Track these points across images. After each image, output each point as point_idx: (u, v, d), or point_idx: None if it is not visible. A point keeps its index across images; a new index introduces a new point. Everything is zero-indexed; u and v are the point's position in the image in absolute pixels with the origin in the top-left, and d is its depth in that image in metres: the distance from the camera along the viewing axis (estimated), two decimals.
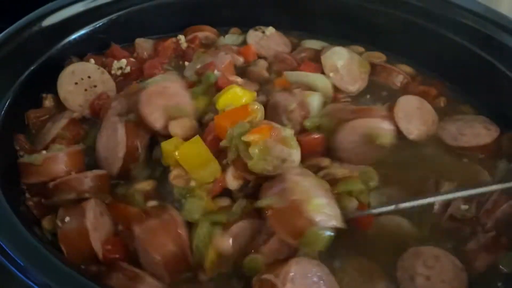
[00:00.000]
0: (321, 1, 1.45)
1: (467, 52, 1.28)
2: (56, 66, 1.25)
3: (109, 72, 1.26)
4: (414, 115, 1.21)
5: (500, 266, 0.95)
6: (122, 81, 1.27)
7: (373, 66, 1.35)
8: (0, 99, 1.11)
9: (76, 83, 1.21)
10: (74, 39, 1.30)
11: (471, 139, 1.16)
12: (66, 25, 1.28)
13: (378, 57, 1.40)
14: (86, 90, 1.21)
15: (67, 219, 0.96)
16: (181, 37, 1.40)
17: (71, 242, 0.94)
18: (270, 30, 1.44)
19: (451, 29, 1.31)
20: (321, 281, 0.87)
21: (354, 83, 1.30)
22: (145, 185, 1.04)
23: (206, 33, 1.44)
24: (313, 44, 1.44)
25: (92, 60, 1.28)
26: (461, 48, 1.29)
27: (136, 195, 1.02)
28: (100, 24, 1.34)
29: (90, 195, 1.00)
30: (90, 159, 1.10)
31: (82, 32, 1.31)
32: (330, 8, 1.43)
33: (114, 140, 1.05)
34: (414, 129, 1.19)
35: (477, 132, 1.17)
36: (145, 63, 1.30)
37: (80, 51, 1.31)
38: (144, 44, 1.39)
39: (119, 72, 1.28)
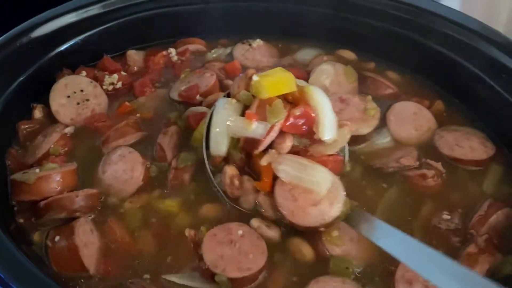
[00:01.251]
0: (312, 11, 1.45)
1: (465, 69, 1.29)
2: (46, 77, 1.26)
3: (101, 86, 1.27)
4: (408, 120, 1.23)
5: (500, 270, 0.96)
6: (114, 95, 1.28)
7: (363, 78, 1.35)
8: None
9: (68, 97, 1.22)
10: (65, 49, 1.30)
11: (468, 152, 1.16)
12: (56, 35, 1.28)
13: (368, 68, 1.41)
14: (78, 103, 1.22)
15: (57, 238, 0.96)
16: (172, 50, 1.41)
17: (62, 260, 0.95)
18: (258, 42, 1.45)
19: (444, 43, 1.32)
20: None
21: (347, 94, 1.29)
22: None
23: (196, 45, 1.45)
24: (306, 53, 1.45)
25: (84, 72, 1.29)
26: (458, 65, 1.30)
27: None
28: (91, 34, 1.34)
29: (81, 214, 1.01)
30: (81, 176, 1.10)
31: (72, 42, 1.31)
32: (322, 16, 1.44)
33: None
34: (402, 132, 1.21)
35: (474, 146, 1.18)
36: (136, 81, 1.31)
37: (71, 62, 1.32)
38: (135, 57, 1.39)
39: (110, 87, 1.28)
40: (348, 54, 1.44)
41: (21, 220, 1.03)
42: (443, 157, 1.16)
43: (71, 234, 0.96)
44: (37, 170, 1.05)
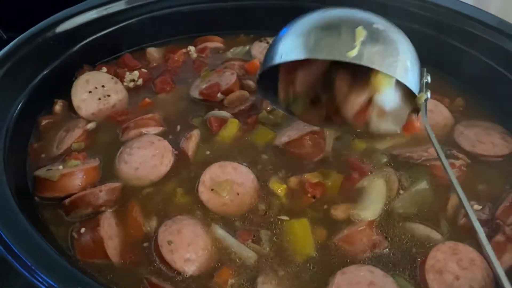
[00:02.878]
0: None
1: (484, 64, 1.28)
2: (67, 73, 1.27)
3: (122, 83, 1.28)
4: None
5: None
6: (134, 91, 1.29)
7: None
8: (11, 105, 1.12)
9: (90, 92, 1.22)
10: (86, 45, 1.32)
11: (490, 148, 1.16)
12: (77, 32, 1.30)
13: None
14: (99, 99, 1.22)
15: (82, 230, 0.97)
16: (191, 48, 1.42)
17: (87, 251, 0.95)
18: None
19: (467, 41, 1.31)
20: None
21: None
22: None
23: (215, 43, 1.46)
24: None
25: (104, 69, 1.30)
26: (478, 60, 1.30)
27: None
28: (111, 31, 1.36)
29: (106, 208, 1.01)
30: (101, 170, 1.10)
31: (92, 38, 1.33)
32: None
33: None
34: None
35: (495, 141, 1.17)
36: (156, 78, 1.32)
37: (91, 58, 1.33)
38: (155, 54, 1.41)
39: (131, 84, 1.29)
40: None
41: (46, 215, 1.02)
42: (464, 152, 1.15)
43: (97, 226, 0.97)
44: (61, 167, 1.06)
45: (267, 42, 1.44)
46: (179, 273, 0.93)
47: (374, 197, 1.05)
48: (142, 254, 0.97)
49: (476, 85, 1.31)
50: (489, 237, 0.98)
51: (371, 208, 1.03)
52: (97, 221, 0.98)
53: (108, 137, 1.18)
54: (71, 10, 1.30)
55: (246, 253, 0.96)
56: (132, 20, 1.39)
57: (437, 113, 1.24)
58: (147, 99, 1.26)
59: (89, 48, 1.32)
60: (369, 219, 1.01)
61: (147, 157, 1.09)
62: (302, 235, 0.99)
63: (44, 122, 1.20)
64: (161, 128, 1.19)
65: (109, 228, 0.98)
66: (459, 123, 1.23)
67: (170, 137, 1.16)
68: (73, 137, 1.14)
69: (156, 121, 1.19)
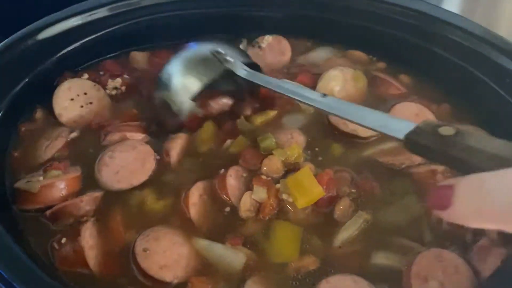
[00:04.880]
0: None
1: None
2: (46, 80, 1.25)
3: (104, 90, 1.25)
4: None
5: None
6: (117, 98, 1.27)
7: (372, 78, 1.34)
8: None
9: (72, 99, 1.20)
10: (68, 52, 1.30)
11: None
12: (59, 39, 1.28)
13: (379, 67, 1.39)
14: (82, 106, 1.21)
15: (63, 240, 0.95)
16: None
17: (68, 262, 0.94)
18: (267, 39, 1.42)
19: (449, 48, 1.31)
20: None
21: (357, 100, 1.28)
22: None
23: None
24: (318, 54, 1.43)
25: (86, 75, 1.28)
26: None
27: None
28: (93, 37, 1.34)
29: (88, 218, 1.00)
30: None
31: (75, 45, 1.31)
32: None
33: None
34: None
35: None
36: (140, 83, 1.29)
37: (72, 64, 1.32)
38: (138, 58, 1.38)
39: (113, 92, 1.27)
40: (359, 55, 1.43)
41: (25, 226, 1.01)
42: None
43: (77, 236, 0.95)
44: (41, 178, 1.04)
45: (259, 46, 1.41)
46: (158, 282, 0.92)
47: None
48: (123, 264, 0.95)
49: (462, 92, 1.29)
50: (474, 241, 0.98)
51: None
52: (78, 231, 0.96)
53: (90, 145, 1.16)
54: (54, 17, 1.28)
55: (234, 256, 0.95)
56: (115, 27, 1.37)
57: (422, 118, 1.23)
58: (134, 110, 1.24)
59: (70, 56, 1.30)
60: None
61: (128, 161, 1.09)
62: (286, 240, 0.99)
63: (24, 129, 1.18)
64: (145, 135, 1.17)
65: (90, 238, 0.96)
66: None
67: (154, 143, 1.15)
68: (55, 146, 1.12)
69: (142, 128, 1.18)
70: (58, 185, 1.02)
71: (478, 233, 0.99)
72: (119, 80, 1.29)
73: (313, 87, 1.28)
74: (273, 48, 1.42)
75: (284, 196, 1.02)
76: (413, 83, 1.36)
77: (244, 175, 1.07)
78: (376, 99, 1.30)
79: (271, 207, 1.01)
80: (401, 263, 0.95)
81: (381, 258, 0.97)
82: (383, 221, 1.03)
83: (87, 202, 1.01)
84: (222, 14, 1.45)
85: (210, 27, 1.43)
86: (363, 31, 1.42)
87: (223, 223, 1.02)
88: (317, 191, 1.00)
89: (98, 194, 1.04)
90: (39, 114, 1.21)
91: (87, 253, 0.94)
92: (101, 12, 1.34)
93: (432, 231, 1.01)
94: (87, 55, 1.34)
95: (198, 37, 1.42)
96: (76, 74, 1.29)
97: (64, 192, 1.03)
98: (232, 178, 1.05)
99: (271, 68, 1.37)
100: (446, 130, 0.77)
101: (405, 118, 1.16)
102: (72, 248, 0.94)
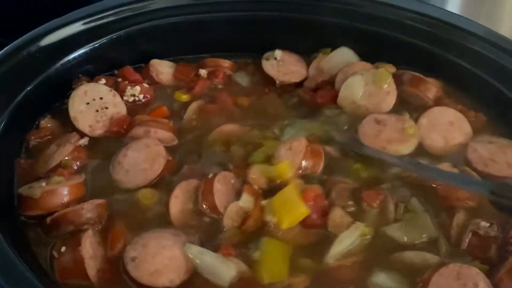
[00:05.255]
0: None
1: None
2: (55, 86, 1.24)
3: (121, 96, 1.24)
4: (438, 128, 1.16)
5: None
6: (133, 107, 1.24)
7: (399, 75, 1.25)
8: None
9: (87, 103, 1.19)
10: (76, 58, 1.28)
11: (504, 168, 1.07)
12: (66, 44, 1.26)
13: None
14: (97, 111, 1.19)
15: (63, 248, 0.93)
16: (202, 72, 1.35)
17: (67, 272, 0.92)
18: (277, 53, 1.39)
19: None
20: None
21: (382, 102, 1.22)
22: None
23: (226, 65, 1.39)
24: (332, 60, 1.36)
25: (103, 80, 1.26)
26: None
27: None
28: (104, 43, 1.31)
29: (89, 226, 0.98)
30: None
31: (82, 51, 1.28)
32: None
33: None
34: (427, 139, 1.15)
35: (510, 161, 1.08)
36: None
37: (84, 70, 1.30)
38: (159, 67, 1.35)
39: (131, 99, 1.25)
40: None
41: (30, 234, 0.99)
42: (475, 172, 1.08)
43: (78, 245, 0.93)
44: (44, 184, 1.03)
45: (275, 58, 1.38)
46: None
47: None
48: (121, 274, 0.93)
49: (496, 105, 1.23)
50: (503, 258, 0.92)
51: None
52: (79, 240, 0.94)
53: (103, 152, 1.14)
54: (57, 22, 1.27)
55: (225, 268, 0.92)
56: (121, 32, 1.33)
57: (457, 127, 1.17)
58: (165, 107, 1.24)
59: (82, 61, 1.28)
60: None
61: (139, 160, 1.08)
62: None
63: (32, 138, 1.16)
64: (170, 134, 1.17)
65: (91, 248, 0.94)
66: (474, 139, 1.15)
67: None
68: (63, 152, 1.11)
69: (169, 127, 1.18)
70: (61, 191, 1.01)
71: (506, 250, 0.93)
72: (138, 88, 1.27)
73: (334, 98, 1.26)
74: (289, 59, 1.40)
75: (268, 218, 0.98)
76: (446, 88, 1.29)
77: (232, 181, 1.04)
78: (405, 102, 1.24)
79: (254, 221, 0.98)
80: (407, 285, 0.91)
81: (383, 278, 0.92)
82: (386, 236, 0.98)
83: (89, 209, 0.99)
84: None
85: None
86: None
87: (203, 227, 1.00)
88: (301, 211, 0.96)
89: (100, 201, 1.01)
90: (44, 122, 1.20)
91: (87, 264, 0.92)
92: (106, 18, 1.32)
93: (451, 246, 0.96)
94: (101, 62, 1.32)
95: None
96: (93, 79, 1.28)
97: (67, 199, 1.01)
98: (220, 184, 1.02)
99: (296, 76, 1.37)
100: None
101: (437, 124, 1.16)
102: (72, 258, 0.92)
